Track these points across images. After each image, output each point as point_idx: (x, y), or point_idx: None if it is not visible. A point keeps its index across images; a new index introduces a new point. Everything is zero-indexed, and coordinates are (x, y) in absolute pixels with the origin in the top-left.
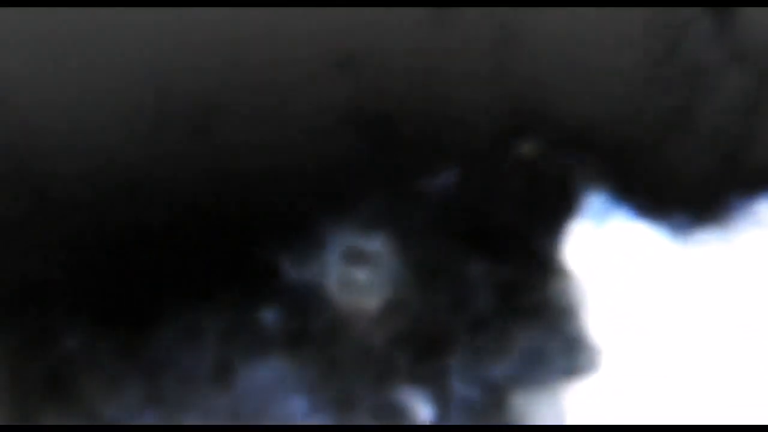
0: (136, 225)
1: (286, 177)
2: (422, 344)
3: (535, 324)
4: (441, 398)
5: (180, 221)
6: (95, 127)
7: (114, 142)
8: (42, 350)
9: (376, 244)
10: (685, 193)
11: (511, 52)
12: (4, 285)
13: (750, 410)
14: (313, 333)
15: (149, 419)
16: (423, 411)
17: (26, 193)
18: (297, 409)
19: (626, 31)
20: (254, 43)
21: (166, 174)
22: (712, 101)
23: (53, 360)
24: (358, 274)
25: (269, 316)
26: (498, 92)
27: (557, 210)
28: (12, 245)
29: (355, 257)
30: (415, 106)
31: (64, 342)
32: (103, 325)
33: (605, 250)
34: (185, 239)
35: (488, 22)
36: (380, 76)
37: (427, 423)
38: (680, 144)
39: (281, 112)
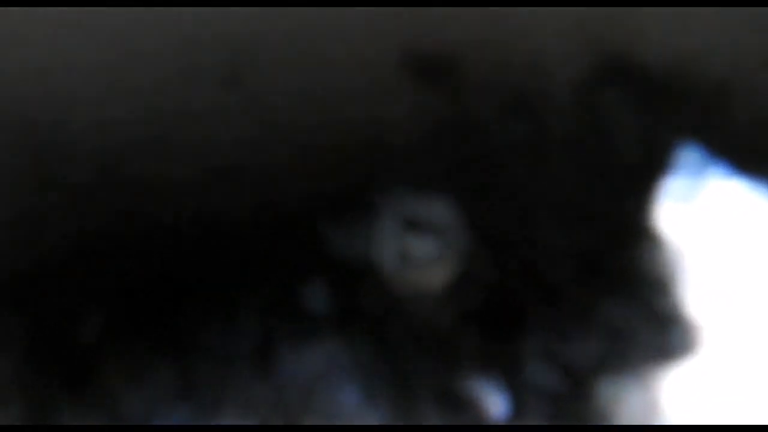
0: (163, 186)
1: (332, 133)
2: (492, 324)
3: (623, 298)
4: (514, 387)
5: (210, 183)
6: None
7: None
8: (58, 337)
9: (438, 208)
10: None
11: None
12: (10, 263)
13: None
14: (366, 313)
15: (181, 414)
16: (494, 401)
17: (37, 160)
18: (348, 400)
19: None
20: None
21: (196, 131)
22: None
23: (70, 348)
24: (417, 245)
25: (315, 293)
26: (577, 34)
27: (645, 167)
28: (26, 216)
29: (413, 225)
30: (483, 45)
31: (83, 327)
32: (126, 306)
33: (701, 211)
34: (217, 204)
35: None
36: (439, 18)
37: (500, 416)
38: None
39: (326, 56)
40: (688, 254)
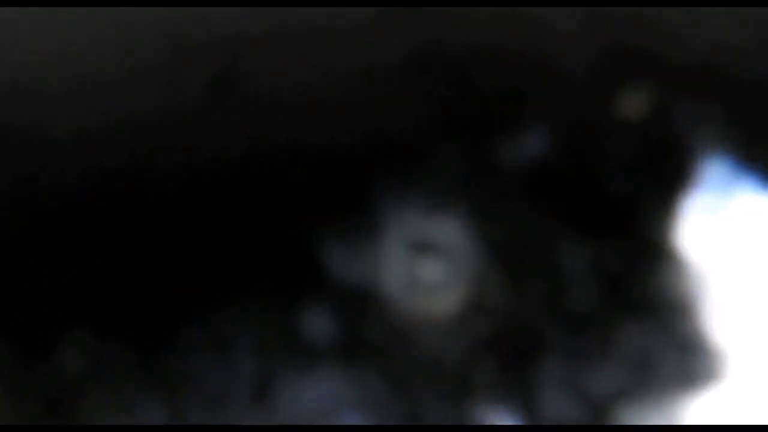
0: (148, 198)
1: (334, 147)
2: (507, 352)
3: (644, 323)
4: (530, 417)
5: (206, 203)
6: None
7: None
8: (38, 365)
9: (447, 229)
10: None
11: None
12: None
13: None
14: (371, 343)
15: None
16: None
17: (18, 171)
18: None
19: None
20: None
21: (183, 136)
22: None
23: (54, 379)
24: (425, 269)
25: (315, 321)
26: (595, 35)
27: (670, 181)
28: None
29: (421, 247)
30: (493, 54)
31: (66, 357)
32: (111, 333)
33: (729, 230)
34: (206, 223)
35: None
36: (449, 17)
37: None
38: None
39: (326, 63)
40: (714, 275)
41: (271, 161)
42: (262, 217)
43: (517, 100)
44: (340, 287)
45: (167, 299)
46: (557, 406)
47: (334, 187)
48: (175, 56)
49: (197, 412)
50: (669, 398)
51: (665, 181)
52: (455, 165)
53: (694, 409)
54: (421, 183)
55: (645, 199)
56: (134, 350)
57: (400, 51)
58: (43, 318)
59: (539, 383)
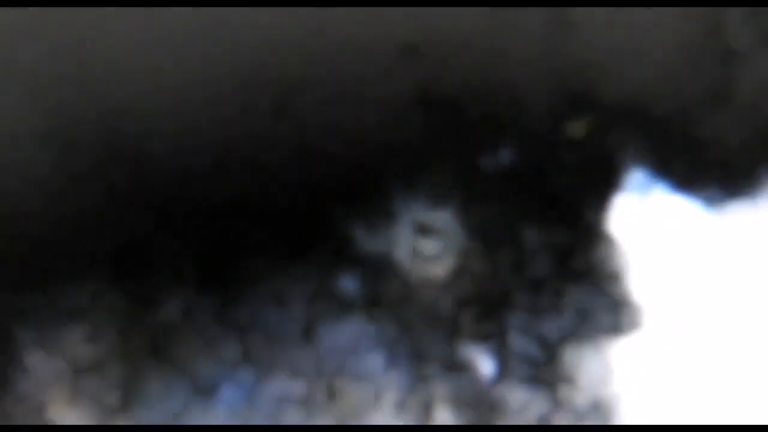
0: (228, 200)
1: (361, 156)
2: (485, 306)
3: (585, 286)
4: (501, 354)
5: (266, 197)
6: (189, 107)
7: (205, 121)
8: (146, 315)
9: (443, 217)
10: (718, 169)
11: (562, 39)
12: (111, 254)
13: None
14: (387, 297)
15: (242, 377)
16: (486, 365)
17: (124, 169)
18: (375, 365)
19: (665, 19)
20: (329, 35)
21: (252, 152)
22: (745, 83)
23: (157, 324)
24: (426, 245)
25: (347, 282)
26: (551, 77)
27: (604, 183)
28: (115, 220)
29: (424, 229)
30: (477, 90)
31: (167, 308)
32: (199, 291)
33: (646, 219)
34: (271, 213)
35: (541, 12)
36: (445, 64)
37: (489, 380)
38: (714, 123)
39: (356, 98)
40: (635, 253)
41: (317, 170)
42: (311, 208)
43: (494, 126)
44: (364, 257)
45: (240, 266)
46: (521, 346)
47: (362, 185)
48: (244, 90)
49: (260, 348)
50: (603, 342)
51: (600, 183)
52: (450, 169)
53: (622, 351)
54: (425, 182)
55: (586, 196)
56: (215, 303)
57: (412, 86)
58: (149, 279)
59: (507, 329)
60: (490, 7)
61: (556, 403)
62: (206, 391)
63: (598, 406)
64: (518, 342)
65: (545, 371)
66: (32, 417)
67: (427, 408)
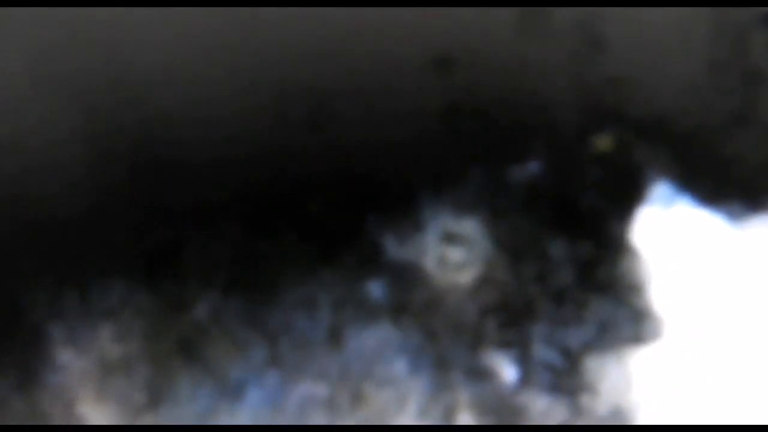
0: (259, 206)
1: (391, 168)
2: (509, 314)
3: (607, 297)
4: (524, 361)
5: (297, 204)
6: (224, 122)
7: (239, 130)
8: (176, 317)
9: (470, 226)
10: (741, 184)
11: (591, 56)
12: (143, 257)
13: None
14: (414, 304)
15: (270, 379)
16: (508, 372)
17: (157, 175)
18: (399, 370)
19: (693, 38)
20: (361, 48)
21: (284, 161)
22: (766, 103)
23: (186, 325)
24: (453, 253)
25: (375, 288)
26: (579, 92)
27: (628, 196)
28: (148, 224)
29: (451, 238)
30: (506, 104)
31: (196, 310)
32: (229, 295)
33: (670, 232)
34: (304, 221)
35: (571, 28)
36: (475, 78)
37: (511, 384)
38: (738, 140)
39: (387, 109)
40: (658, 265)
41: (348, 179)
42: (344, 217)
43: (522, 138)
44: (393, 264)
45: (271, 271)
46: (543, 355)
47: (392, 196)
48: (277, 102)
49: (288, 352)
50: (624, 353)
51: (625, 197)
52: (476, 181)
53: (642, 361)
54: (452, 193)
55: (610, 209)
56: (243, 306)
57: (441, 99)
58: (182, 281)
59: (530, 338)
60: (520, 24)
61: (577, 411)
62: (233, 393)
63: (618, 414)
64: (541, 350)
65: (567, 379)
66: (62, 412)
67: (450, 414)
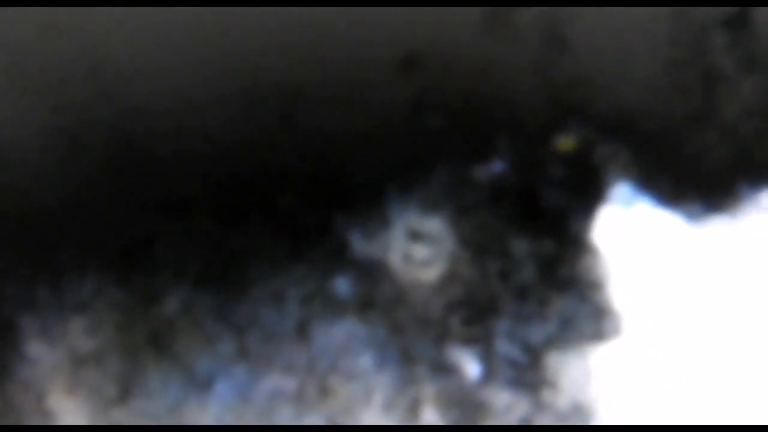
0: (230, 201)
1: (359, 166)
2: (472, 310)
3: (569, 294)
4: (487, 356)
5: (267, 199)
6: (197, 114)
7: (210, 124)
8: (147, 310)
9: (435, 224)
10: (699, 184)
11: (554, 56)
12: (114, 250)
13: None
14: (380, 300)
15: (239, 372)
16: (472, 367)
17: (130, 168)
18: (366, 364)
19: (653, 40)
20: (331, 46)
21: (255, 157)
22: (725, 104)
23: (157, 319)
24: (419, 250)
25: (342, 284)
26: (542, 92)
27: (590, 196)
28: (120, 218)
29: (416, 235)
30: (471, 103)
31: (167, 303)
32: (199, 289)
33: (630, 231)
34: (273, 218)
35: (534, 31)
36: (441, 78)
37: (475, 378)
38: (696, 141)
39: (355, 108)
40: (618, 263)
41: (318, 178)
42: (312, 214)
43: (486, 138)
44: (360, 261)
45: (240, 266)
46: (506, 351)
47: (360, 193)
48: (248, 96)
49: (256, 345)
50: (585, 349)
51: (587, 196)
52: (441, 180)
53: (603, 356)
54: (418, 191)
55: (572, 207)
56: (215, 300)
57: (408, 99)
58: (153, 275)
59: (493, 334)
60: (486, 25)
61: (539, 405)
62: (203, 386)
63: (578, 408)
64: (504, 346)
65: (529, 375)
66: (33, 405)
67: (415, 407)
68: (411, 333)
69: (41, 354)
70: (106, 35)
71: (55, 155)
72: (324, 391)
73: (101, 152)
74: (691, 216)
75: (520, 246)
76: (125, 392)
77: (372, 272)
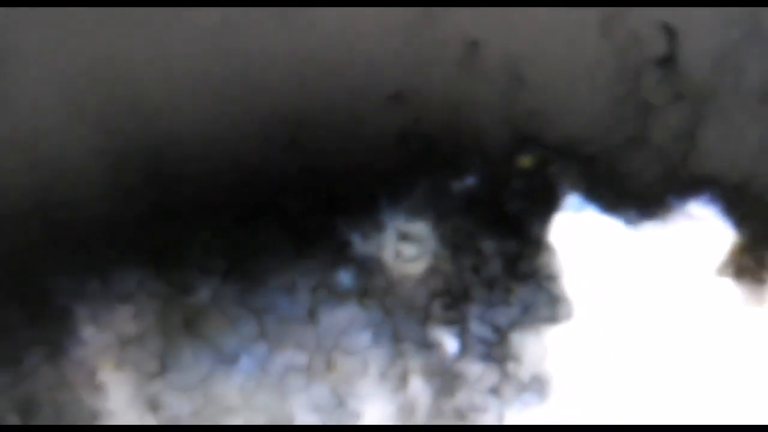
0: (249, 210)
1: (357, 181)
2: (451, 298)
3: (529, 285)
4: (463, 336)
5: (280, 208)
6: (218, 135)
7: (232, 148)
8: (181, 299)
9: (420, 227)
10: (636, 196)
11: (515, 92)
12: (153, 250)
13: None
14: (375, 289)
15: (258, 350)
16: (451, 344)
17: (166, 183)
18: (363, 342)
19: (595, 79)
20: (331, 84)
21: (269, 173)
22: (658, 130)
23: (190, 306)
24: (407, 249)
25: (344, 276)
26: (506, 121)
27: (546, 204)
28: (158, 223)
29: (405, 236)
30: (448, 130)
31: (198, 293)
32: (226, 281)
33: (579, 234)
34: (287, 223)
35: (500, 68)
36: (422, 110)
37: (453, 356)
38: (633, 161)
39: (353, 133)
40: (570, 259)
41: (322, 189)
42: (316, 218)
43: (461, 158)
44: (359, 257)
45: (259, 262)
46: (478, 331)
47: (358, 203)
48: (262, 126)
49: (273, 327)
50: (543, 329)
51: (543, 205)
52: (425, 192)
53: (558, 336)
54: (406, 201)
55: (532, 214)
56: (237, 290)
57: (397, 126)
58: (184, 270)
59: (468, 316)
60: (460, 67)
61: (505, 376)
62: (228, 361)
63: (538, 379)
64: (476, 327)
65: (497, 351)
66: (86, 379)
67: (404, 377)
68: (400, 316)
69: (92, 337)
70: (143, 71)
71: (104, 171)
72: (329, 365)
73: (141, 168)
74: (629, 221)
75: (489, 245)
76: (163, 367)
77: (369, 266)
